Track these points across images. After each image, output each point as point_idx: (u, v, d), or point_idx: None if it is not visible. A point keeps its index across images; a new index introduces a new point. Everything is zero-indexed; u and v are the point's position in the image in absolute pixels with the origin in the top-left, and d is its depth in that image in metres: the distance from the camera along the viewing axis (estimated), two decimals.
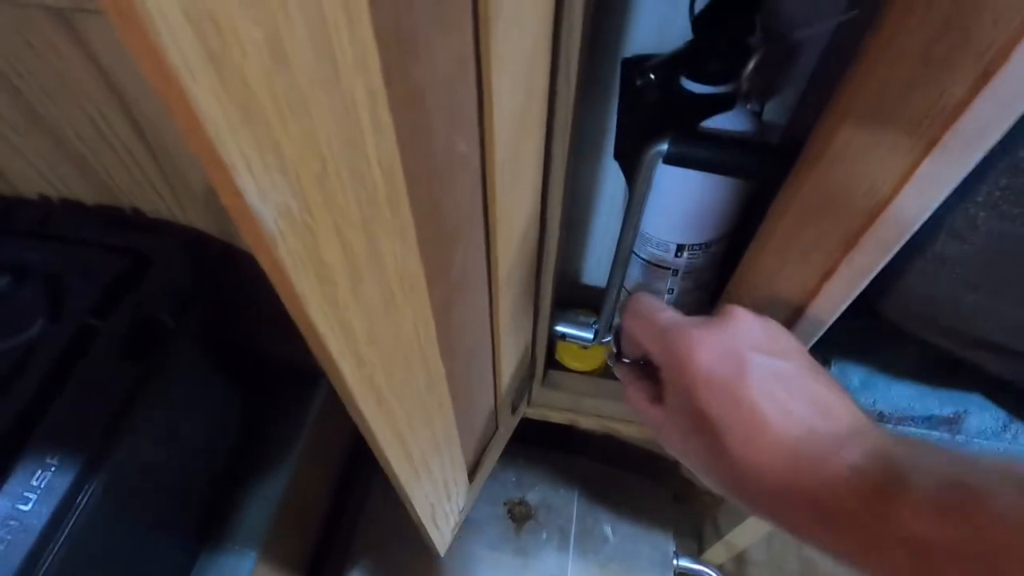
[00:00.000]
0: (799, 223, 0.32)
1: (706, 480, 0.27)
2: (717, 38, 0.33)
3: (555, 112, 0.28)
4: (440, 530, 0.42)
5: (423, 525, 0.39)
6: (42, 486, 0.32)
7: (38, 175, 0.41)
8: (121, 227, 0.39)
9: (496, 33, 0.19)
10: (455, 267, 0.26)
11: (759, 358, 0.25)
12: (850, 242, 0.32)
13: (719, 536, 0.80)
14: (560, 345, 0.58)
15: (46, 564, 0.32)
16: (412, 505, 0.34)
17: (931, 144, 0.26)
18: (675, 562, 0.71)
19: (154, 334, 0.35)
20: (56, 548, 0.32)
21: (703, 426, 0.25)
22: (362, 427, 0.24)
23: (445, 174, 0.21)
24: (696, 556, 0.79)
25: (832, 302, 0.36)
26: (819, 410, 0.24)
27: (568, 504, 0.69)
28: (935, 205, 0.28)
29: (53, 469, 0.32)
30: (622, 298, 0.43)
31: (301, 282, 0.15)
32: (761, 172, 0.35)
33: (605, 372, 0.58)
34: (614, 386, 0.56)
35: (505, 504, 0.68)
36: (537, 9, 0.22)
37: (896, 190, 0.28)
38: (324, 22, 0.12)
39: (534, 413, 0.58)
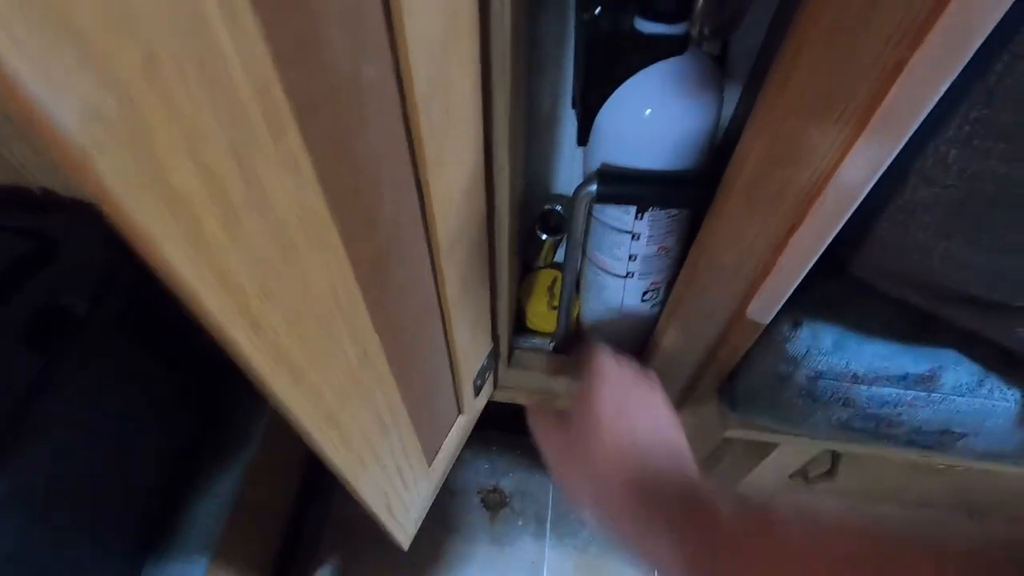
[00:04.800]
0: (760, 175, 0.29)
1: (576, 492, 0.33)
2: None
3: (491, 42, 0.25)
4: (399, 521, 0.39)
5: (378, 516, 0.36)
6: None
7: None
8: (26, 208, 0.35)
9: None
10: (383, 222, 0.23)
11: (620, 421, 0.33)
12: (814, 191, 0.30)
13: None
14: (529, 307, 0.56)
15: None
16: (361, 495, 0.31)
17: (899, 67, 0.24)
18: None
19: (63, 320, 0.32)
20: None
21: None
22: (278, 408, 0.21)
23: (352, 102, 0.18)
24: None
25: (800, 256, 0.34)
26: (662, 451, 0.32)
27: (544, 490, 0.66)
28: (898, 146, 0.26)
29: None
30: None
31: (138, 208, 0.12)
32: (687, 203, 0.39)
33: (572, 345, 0.55)
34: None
35: (478, 493, 0.65)
36: None
37: (862, 124, 0.26)
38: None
39: (502, 396, 0.56)
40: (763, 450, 0.61)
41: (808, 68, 0.24)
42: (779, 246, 0.34)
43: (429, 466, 0.43)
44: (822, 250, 0.33)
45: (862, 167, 0.28)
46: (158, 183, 0.12)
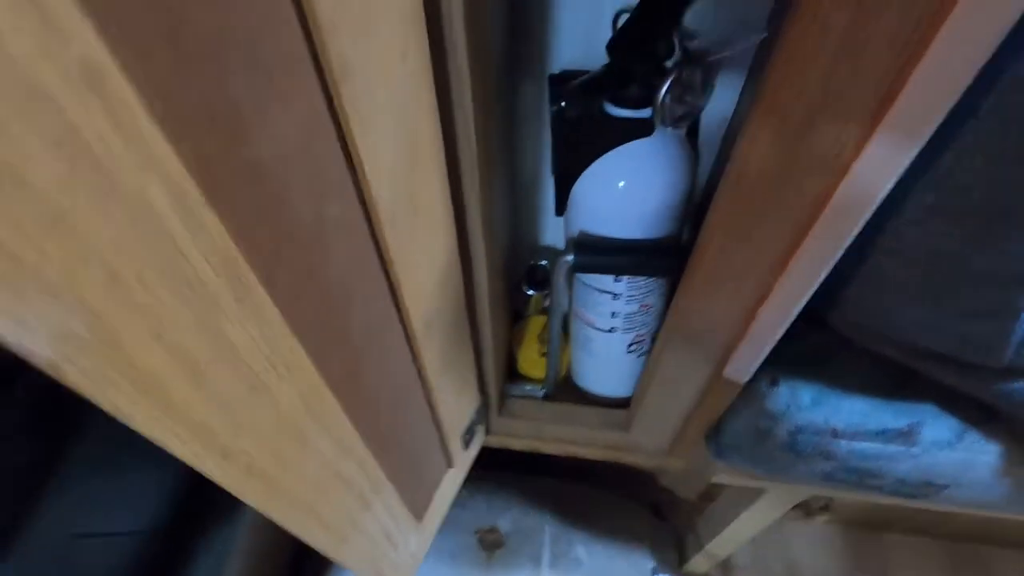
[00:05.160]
0: (721, 261, 0.31)
1: None
2: (632, 62, 0.32)
3: (459, 150, 0.26)
4: None
5: None
6: None
7: None
8: None
9: (349, 92, 0.18)
10: (355, 331, 0.24)
11: None
12: (779, 267, 0.31)
13: (700, 547, 0.79)
14: (520, 354, 0.57)
15: None
16: (348, 565, 0.33)
17: (844, 170, 0.25)
18: None
19: (70, 404, 0.33)
20: None
21: None
22: (269, 517, 0.22)
23: (316, 242, 0.20)
24: (677, 568, 0.78)
25: (771, 325, 0.35)
26: None
27: (540, 528, 0.67)
28: (864, 218, 0.27)
29: None
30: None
31: (113, 397, 0.13)
32: (660, 272, 0.40)
33: (563, 391, 0.56)
34: (572, 410, 0.55)
35: (476, 532, 0.66)
36: (407, 55, 0.21)
37: (821, 205, 0.27)
38: (61, 111, 0.11)
39: (495, 442, 0.57)
40: (754, 493, 0.61)
41: (756, 166, 0.25)
42: (748, 317, 0.35)
43: (420, 521, 0.44)
44: (792, 318, 0.34)
45: (817, 255, 0.29)
46: (127, 371, 0.14)
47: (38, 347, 0.11)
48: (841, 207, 0.26)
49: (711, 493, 0.73)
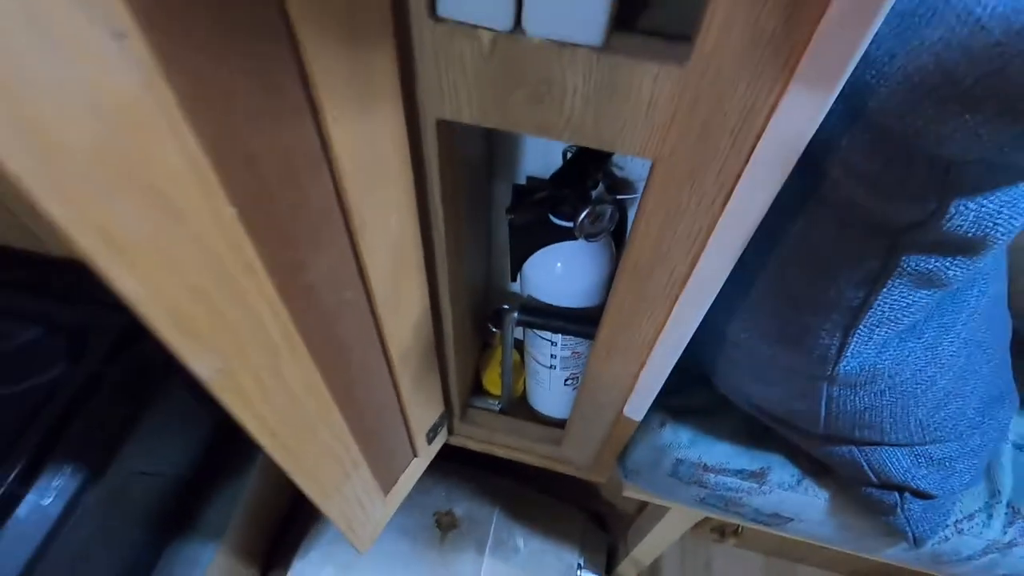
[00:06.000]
0: (613, 337, 0.44)
1: None
2: (566, 190, 0.45)
3: (435, 254, 0.40)
4: (357, 534, 0.54)
5: (342, 530, 0.51)
6: (58, 488, 0.44)
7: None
8: None
9: (364, 239, 0.32)
10: (353, 365, 0.38)
11: None
12: (648, 346, 0.44)
13: (627, 552, 0.93)
14: (485, 375, 0.71)
15: (56, 543, 0.44)
16: (329, 515, 0.47)
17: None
18: (578, 573, 0.83)
19: (147, 376, 0.48)
20: (65, 531, 0.44)
21: None
22: (281, 467, 0.36)
23: (335, 316, 0.34)
24: (602, 570, 0.91)
25: (647, 388, 0.48)
26: None
27: (489, 518, 0.81)
28: (724, 274, 0.39)
29: (67, 476, 0.44)
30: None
31: (227, 399, 0.27)
32: (585, 335, 0.53)
33: (516, 408, 0.70)
34: (521, 424, 0.69)
35: (434, 515, 0.80)
36: (399, 208, 0.35)
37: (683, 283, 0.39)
38: (237, 288, 0.25)
39: (456, 441, 0.71)
40: (662, 510, 0.75)
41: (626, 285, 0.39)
42: (634, 376, 0.48)
43: (386, 495, 0.58)
44: (663, 378, 0.48)
45: (673, 339, 0.42)
46: (237, 387, 0.28)
47: (207, 373, 0.26)
48: (679, 316, 0.40)
49: (643, 508, 0.86)
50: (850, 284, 0.36)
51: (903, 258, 0.33)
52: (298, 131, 0.25)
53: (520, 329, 0.58)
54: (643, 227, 0.34)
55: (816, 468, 0.55)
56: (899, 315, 0.38)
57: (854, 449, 0.50)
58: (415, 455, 0.62)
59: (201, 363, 0.25)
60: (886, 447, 0.49)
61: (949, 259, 0.33)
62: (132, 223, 0.19)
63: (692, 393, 0.58)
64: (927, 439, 0.49)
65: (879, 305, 0.37)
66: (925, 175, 0.29)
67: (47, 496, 0.44)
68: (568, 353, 0.58)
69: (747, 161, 0.29)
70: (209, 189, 0.21)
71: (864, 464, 0.50)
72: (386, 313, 0.38)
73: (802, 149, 0.27)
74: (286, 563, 0.76)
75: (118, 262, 0.19)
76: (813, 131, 0.26)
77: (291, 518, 0.79)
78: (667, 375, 0.47)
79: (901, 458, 0.49)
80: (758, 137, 0.27)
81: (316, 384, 0.34)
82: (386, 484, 0.57)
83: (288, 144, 0.24)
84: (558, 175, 0.46)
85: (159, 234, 0.20)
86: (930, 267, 0.34)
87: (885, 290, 0.35)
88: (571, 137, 0.30)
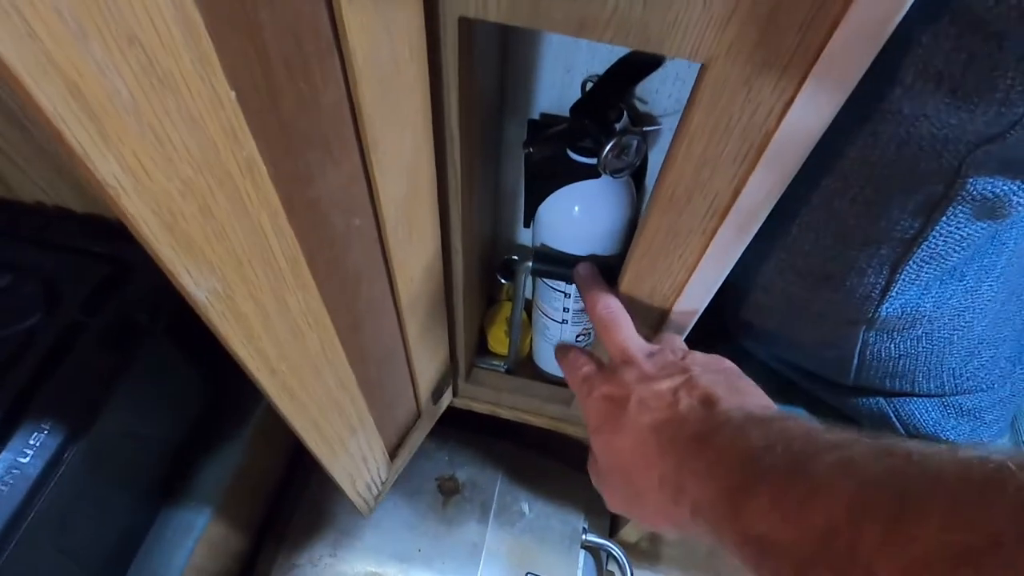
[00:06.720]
0: (636, 285, 0.41)
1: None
2: (587, 123, 0.42)
3: (448, 186, 0.37)
4: (362, 496, 0.51)
5: (346, 491, 0.48)
6: (37, 445, 0.40)
7: (35, 186, 0.49)
8: (108, 237, 0.47)
9: (377, 156, 0.28)
10: (360, 300, 0.35)
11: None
12: (677, 293, 0.41)
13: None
14: (490, 333, 0.68)
15: (38, 504, 0.40)
16: (333, 475, 0.44)
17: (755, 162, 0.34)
18: (583, 537, 0.81)
19: (131, 329, 0.44)
20: (46, 492, 0.41)
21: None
22: (283, 416, 0.33)
23: (343, 242, 0.30)
24: (606, 533, 0.90)
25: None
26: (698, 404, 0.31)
27: (492, 483, 0.79)
28: (770, 204, 0.35)
29: (46, 433, 0.41)
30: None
31: (225, 328, 0.24)
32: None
33: (522, 368, 0.67)
34: (528, 384, 0.66)
35: (436, 479, 0.78)
36: (415, 127, 0.31)
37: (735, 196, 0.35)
38: (236, 188, 0.21)
39: (460, 403, 0.68)
40: None
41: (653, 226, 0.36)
42: (656, 330, 0.45)
43: (391, 457, 0.55)
44: (694, 318, 0.44)
45: (712, 270, 0.39)
46: (236, 313, 0.24)
47: (200, 294, 0.22)
48: (714, 254, 0.37)
49: None
50: (906, 212, 0.33)
51: (969, 180, 0.30)
52: (308, 2, 0.21)
53: (527, 285, 0.55)
54: (684, 149, 0.31)
55: (841, 423, 0.53)
56: (951, 249, 0.35)
57: (882, 401, 0.48)
58: (419, 415, 0.59)
59: (195, 281, 0.21)
60: (916, 398, 0.47)
61: (1019, 183, 0.30)
62: (108, 80, 0.15)
63: (709, 347, 0.55)
64: (958, 389, 0.47)
65: (934, 237, 0.34)
66: (1012, 76, 0.25)
67: (25, 454, 0.40)
68: (582, 306, 0.55)
69: (815, 60, 0.25)
70: (202, 53, 0.17)
71: (893, 416, 0.48)
72: (396, 249, 0.35)
73: (885, 39, 0.24)
74: (282, 530, 0.73)
75: (90, 129, 0.15)
76: (899, 14, 0.23)
77: (288, 481, 0.76)
78: (691, 326, 0.44)
79: (931, 409, 0.47)
80: (833, 27, 0.24)
81: (321, 318, 0.31)
82: (391, 444, 0.54)
83: (297, 13, 0.21)
84: (578, 106, 0.42)
85: (142, 103, 0.16)
86: (997, 191, 0.31)
87: (944, 219, 0.33)
88: (613, 36, 0.27)
